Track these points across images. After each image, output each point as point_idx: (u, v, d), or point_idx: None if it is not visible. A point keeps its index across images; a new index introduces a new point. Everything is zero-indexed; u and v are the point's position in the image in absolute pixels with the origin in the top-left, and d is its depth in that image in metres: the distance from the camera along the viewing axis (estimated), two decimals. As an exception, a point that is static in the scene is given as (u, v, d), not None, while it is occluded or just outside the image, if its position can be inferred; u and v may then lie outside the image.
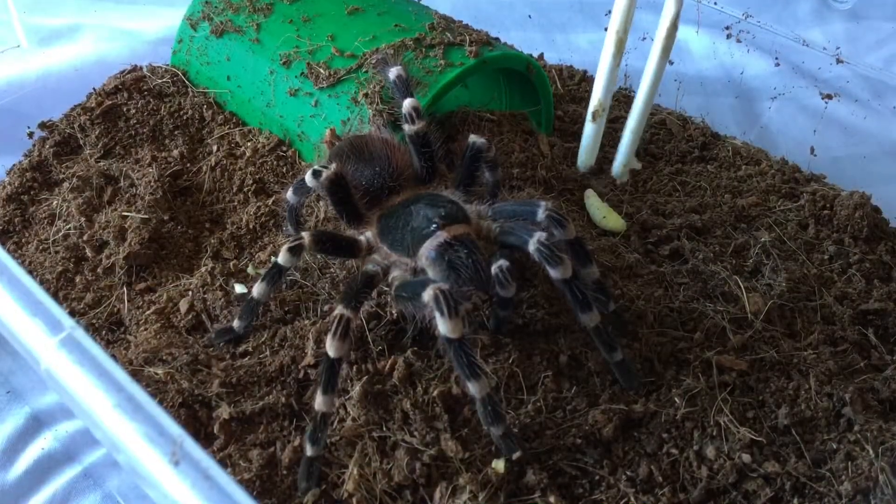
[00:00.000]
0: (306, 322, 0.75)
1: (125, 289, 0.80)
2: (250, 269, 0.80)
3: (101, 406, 0.45)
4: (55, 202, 0.88)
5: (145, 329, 0.75)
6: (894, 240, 0.89)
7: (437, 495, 0.63)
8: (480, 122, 0.92)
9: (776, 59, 1.09)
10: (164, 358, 0.72)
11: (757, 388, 0.71)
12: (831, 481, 0.66)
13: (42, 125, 0.96)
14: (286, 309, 0.76)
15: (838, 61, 1.07)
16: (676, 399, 0.69)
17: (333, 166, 0.71)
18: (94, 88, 0.97)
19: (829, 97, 1.05)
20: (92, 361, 0.47)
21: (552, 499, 0.64)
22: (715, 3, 1.11)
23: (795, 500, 0.65)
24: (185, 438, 0.43)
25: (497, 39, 0.96)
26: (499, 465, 0.65)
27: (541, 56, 1.20)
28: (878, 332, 0.79)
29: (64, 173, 0.91)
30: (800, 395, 0.71)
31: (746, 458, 0.66)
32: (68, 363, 0.47)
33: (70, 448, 0.82)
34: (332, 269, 0.79)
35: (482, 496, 0.63)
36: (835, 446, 0.68)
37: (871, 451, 0.67)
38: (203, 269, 0.81)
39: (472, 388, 0.62)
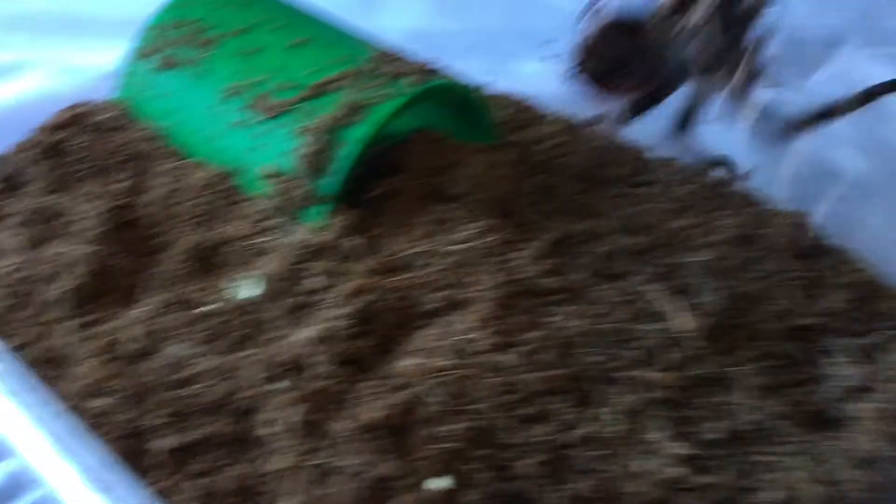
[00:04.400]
0: (250, 352, 0.76)
1: (69, 322, 0.81)
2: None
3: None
4: None
5: (89, 361, 0.76)
6: (831, 257, 0.91)
7: (377, 517, 0.65)
8: (438, 142, 0.93)
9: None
10: (106, 390, 0.72)
11: (689, 404, 0.73)
12: (759, 492, 0.68)
13: (-14, 162, 0.96)
14: (239, 333, 0.77)
15: (774, 84, 1.09)
16: (610, 416, 0.71)
17: None
18: (39, 125, 0.98)
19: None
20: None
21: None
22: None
23: (725, 512, 0.67)
24: (113, 466, 0.44)
25: (442, 69, 0.97)
26: (440, 482, 0.66)
27: (487, 84, 1.22)
28: (810, 347, 0.82)
29: (9, 209, 0.91)
30: (730, 409, 0.73)
31: (677, 472, 0.68)
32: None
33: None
34: (290, 298, 0.80)
35: (422, 516, 0.65)
36: (763, 458, 0.70)
37: (796, 462, 0.70)
38: (152, 298, 0.82)
39: None
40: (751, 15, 0.75)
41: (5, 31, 1.21)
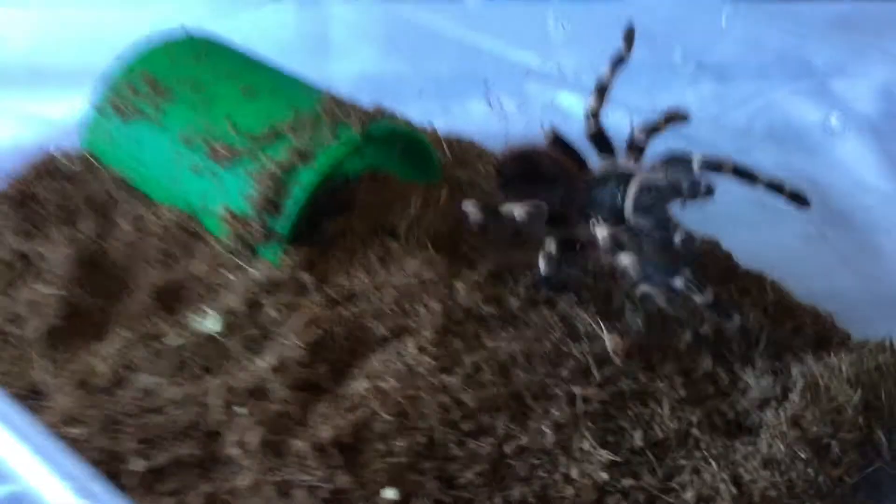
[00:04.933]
0: (213, 381, 0.82)
1: (43, 359, 0.86)
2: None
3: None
4: (-27, 283, 0.94)
5: (64, 394, 0.81)
6: (744, 280, 1.00)
7: (335, 526, 0.71)
8: (384, 181, 1.00)
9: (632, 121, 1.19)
10: (82, 419, 0.78)
11: (617, 416, 0.80)
12: (679, 493, 0.75)
13: (-42, 212, 1.02)
14: (203, 364, 0.84)
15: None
16: (546, 429, 0.78)
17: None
18: (7, 174, 1.04)
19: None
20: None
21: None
22: (578, 75, 1.22)
23: (648, 510, 0.74)
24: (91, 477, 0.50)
25: (391, 112, 1.04)
26: (390, 493, 0.73)
27: (432, 125, 1.29)
28: (725, 361, 0.89)
29: (-20, 255, 0.97)
30: (654, 419, 0.80)
31: (605, 476, 0.75)
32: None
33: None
34: (249, 330, 0.86)
35: (375, 524, 0.71)
36: (683, 462, 0.78)
37: (714, 465, 0.77)
38: (120, 334, 0.87)
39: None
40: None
41: (-32, 83, 1.27)
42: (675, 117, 0.95)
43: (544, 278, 0.89)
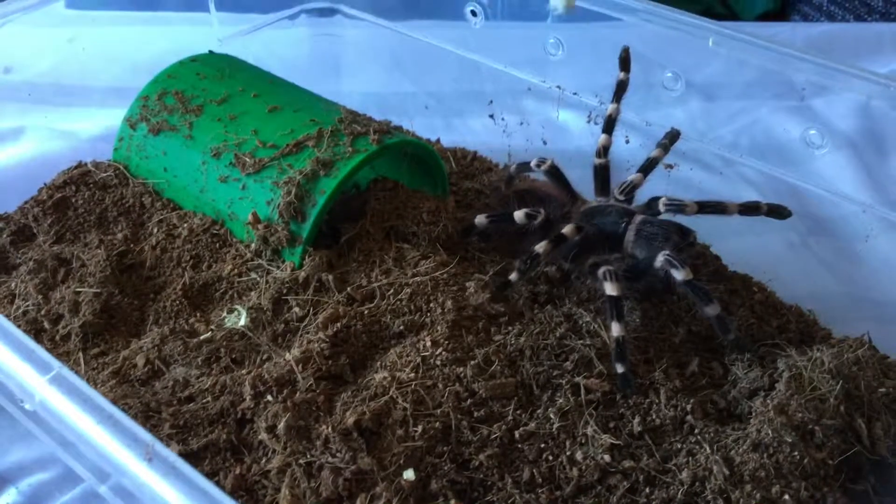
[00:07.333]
0: (243, 372, 0.88)
1: (81, 354, 0.93)
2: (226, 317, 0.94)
3: (86, 424, 0.59)
4: (14, 284, 1.00)
5: (102, 386, 0.88)
6: (732, 281, 1.07)
7: (358, 504, 0.77)
8: (393, 189, 1.07)
9: (626, 137, 1.26)
10: (121, 408, 0.84)
11: (617, 404, 0.87)
12: (675, 473, 0.82)
13: (-2, 217, 1.09)
14: (233, 357, 0.90)
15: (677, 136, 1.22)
16: (552, 416, 0.85)
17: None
18: (44, 183, 1.10)
19: (670, 166, 1.22)
20: (77, 392, 0.60)
21: (453, 502, 0.79)
22: (575, 93, 1.29)
23: (647, 489, 0.81)
24: (156, 442, 0.57)
25: (399, 127, 1.10)
26: (409, 474, 0.79)
27: (438, 140, 1.37)
28: (716, 356, 0.96)
29: (21, 258, 1.03)
30: (652, 407, 0.87)
31: (607, 458, 0.82)
32: (58, 395, 0.61)
33: (32, 500, 0.93)
34: (275, 326, 0.93)
35: (395, 502, 0.77)
36: (679, 446, 0.84)
37: (707, 448, 0.83)
38: (154, 330, 0.94)
39: (614, 328, 0.88)
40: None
41: (2, 100, 1.33)
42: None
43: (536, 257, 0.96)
